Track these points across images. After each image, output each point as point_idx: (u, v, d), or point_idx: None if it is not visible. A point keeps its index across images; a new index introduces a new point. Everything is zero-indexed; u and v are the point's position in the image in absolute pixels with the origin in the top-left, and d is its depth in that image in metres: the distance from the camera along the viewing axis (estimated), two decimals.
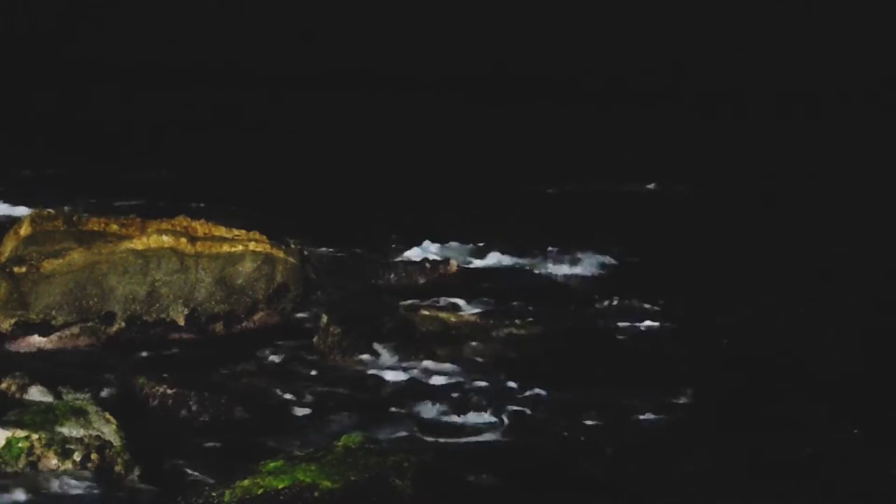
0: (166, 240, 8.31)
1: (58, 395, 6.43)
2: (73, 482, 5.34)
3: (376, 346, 7.93)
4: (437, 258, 10.68)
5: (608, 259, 11.32)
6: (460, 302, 9.34)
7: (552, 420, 6.77)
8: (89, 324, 8.00)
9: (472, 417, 6.74)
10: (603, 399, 7.15)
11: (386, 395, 7.13)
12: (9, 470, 5.37)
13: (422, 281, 10.11)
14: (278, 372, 7.47)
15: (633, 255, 11.67)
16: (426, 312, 8.39)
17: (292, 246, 9.18)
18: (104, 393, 6.66)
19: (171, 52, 25.72)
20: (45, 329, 7.91)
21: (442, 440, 6.38)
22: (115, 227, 8.74)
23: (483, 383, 7.37)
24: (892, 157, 18.78)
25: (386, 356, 7.82)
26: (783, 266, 11.51)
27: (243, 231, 8.81)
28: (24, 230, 8.62)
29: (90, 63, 24.71)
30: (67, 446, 5.48)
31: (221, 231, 8.70)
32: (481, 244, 11.62)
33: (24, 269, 8.09)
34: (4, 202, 12.71)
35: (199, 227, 8.66)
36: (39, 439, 5.45)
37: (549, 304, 9.47)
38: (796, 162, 18.74)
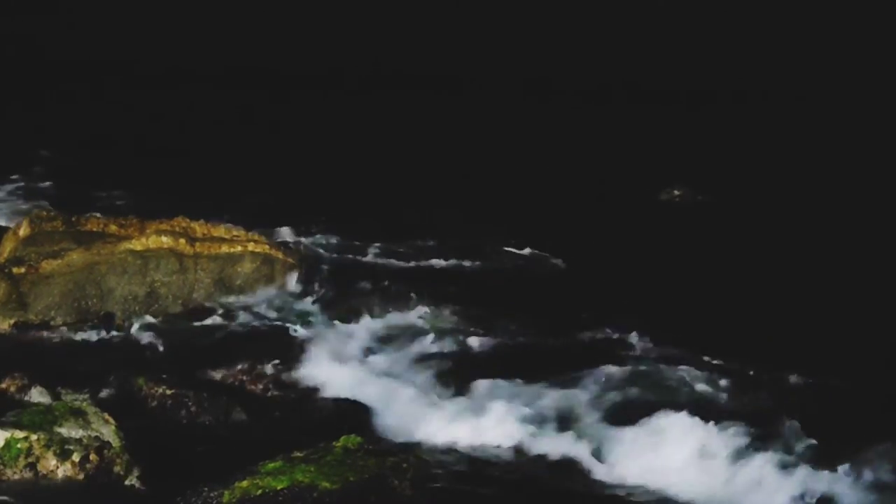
0: (165, 240, 8.32)
1: (57, 396, 6.44)
2: (72, 483, 5.34)
3: (376, 346, 7.93)
4: (436, 258, 10.69)
5: (609, 260, 11.33)
6: (460, 301, 9.34)
7: (553, 419, 6.77)
8: (88, 324, 8.00)
9: (472, 418, 6.74)
10: (605, 399, 7.15)
11: (385, 395, 7.12)
12: (8, 471, 5.37)
13: (421, 281, 10.11)
14: (277, 372, 7.47)
15: (634, 255, 11.68)
16: (426, 312, 8.39)
17: (291, 246, 9.19)
18: (103, 393, 6.67)
19: (172, 51, 25.71)
20: (44, 329, 7.91)
21: (441, 441, 6.38)
22: (114, 227, 8.75)
23: (483, 383, 7.37)
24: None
25: (385, 356, 7.82)
26: (782, 265, 11.51)
27: (242, 231, 8.82)
28: (24, 231, 8.63)
29: (89, 63, 24.70)
30: (66, 447, 5.48)
31: (220, 231, 8.71)
32: (481, 244, 11.62)
33: (23, 270, 8.10)
34: (3, 202, 12.72)
35: (198, 227, 8.66)
36: (38, 440, 5.44)
37: (550, 305, 9.48)
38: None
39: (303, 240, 11.15)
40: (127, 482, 5.48)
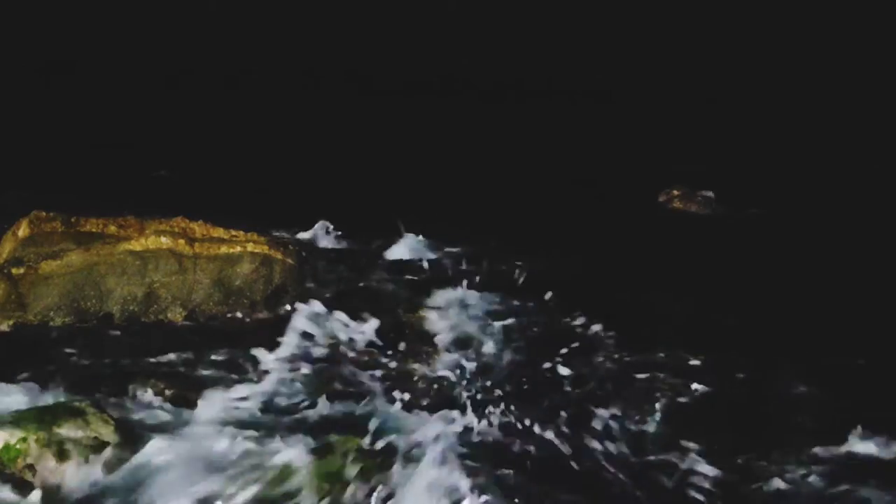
0: (164, 241, 8.31)
1: (56, 396, 6.43)
2: (71, 483, 5.34)
3: (375, 346, 7.92)
4: (437, 258, 10.69)
5: (610, 261, 11.33)
6: (460, 302, 9.34)
7: (554, 420, 6.76)
8: (87, 325, 8.00)
9: (472, 418, 6.73)
10: (605, 400, 7.14)
11: (383, 396, 7.12)
12: (7, 471, 5.36)
13: (421, 281, 10.11)
14: (275, 373, 7.47)
15: (633, 256, 11.68)
16: (425, 313, 8.39)
17: (290, 247, 9.18)
18: (103, 393, 6.66)
19: (172, 52, 25.75)
20: (43, 330, 7.90)
21: (441, 442, 6.38)
22: (113, 228, 8.74)
23: (484, 384, 7.37)
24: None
25: (384, 357, 7.82)
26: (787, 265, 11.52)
27: (241, 232, 8.81)
28: (23, 231, 8.63)
29: (89, 63, 24.72)
30: (65, 447, 5.48)
31: (220, 232, 8.71)
32: (482, 244, 11.62)
33: (22, 271, 8.10)
34: (3, 203, 12.71)
35: (198, 227, 8.66)
36: (37, 440, 5.44)
37: (550, 305, 9.47)
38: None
39: (302, 240, 11.16)
40: None
